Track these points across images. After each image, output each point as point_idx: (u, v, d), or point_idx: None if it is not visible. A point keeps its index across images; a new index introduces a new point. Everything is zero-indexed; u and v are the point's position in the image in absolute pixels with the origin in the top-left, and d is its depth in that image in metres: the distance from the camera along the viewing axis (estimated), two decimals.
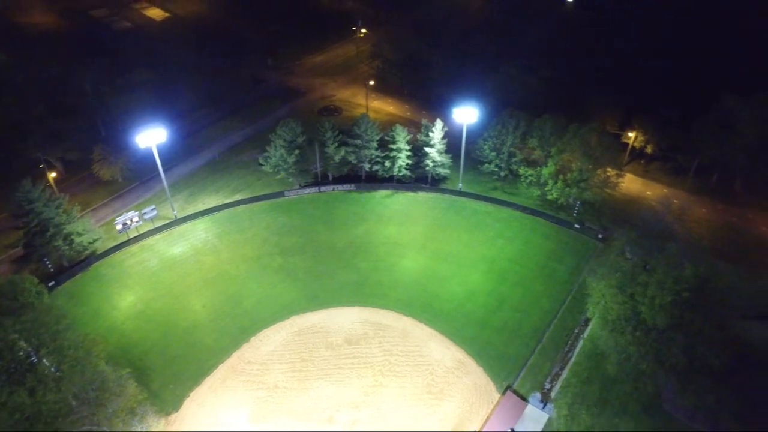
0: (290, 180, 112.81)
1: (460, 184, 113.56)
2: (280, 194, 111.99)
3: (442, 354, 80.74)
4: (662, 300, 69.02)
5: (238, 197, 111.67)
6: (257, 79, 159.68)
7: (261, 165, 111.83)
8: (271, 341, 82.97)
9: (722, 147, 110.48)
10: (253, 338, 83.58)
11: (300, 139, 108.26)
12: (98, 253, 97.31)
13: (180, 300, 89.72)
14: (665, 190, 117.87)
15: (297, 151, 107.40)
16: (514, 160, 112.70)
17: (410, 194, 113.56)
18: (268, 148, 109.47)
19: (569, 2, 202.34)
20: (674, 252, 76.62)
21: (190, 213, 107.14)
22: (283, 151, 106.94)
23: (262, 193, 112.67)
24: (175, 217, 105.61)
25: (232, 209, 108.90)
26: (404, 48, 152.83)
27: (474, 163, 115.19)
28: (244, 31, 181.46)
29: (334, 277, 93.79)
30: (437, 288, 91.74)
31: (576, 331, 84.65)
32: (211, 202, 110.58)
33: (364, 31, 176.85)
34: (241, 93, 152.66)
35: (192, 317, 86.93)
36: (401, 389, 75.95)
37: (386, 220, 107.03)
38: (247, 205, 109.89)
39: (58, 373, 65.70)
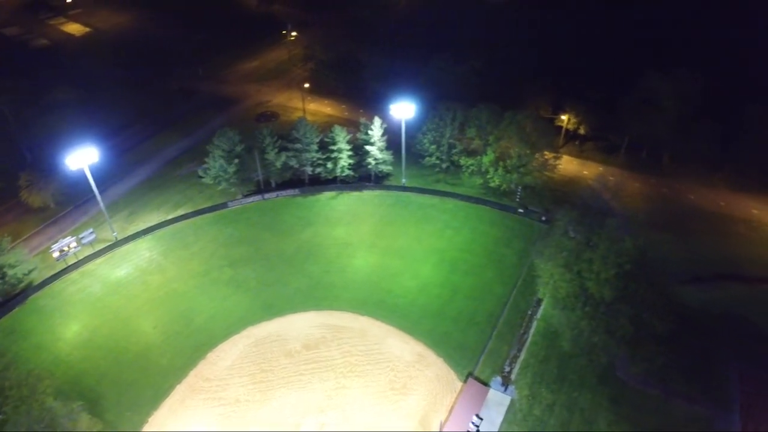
0: (232, 190, 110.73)
1: (404, 179, 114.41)
2: (224, 205, 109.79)
3: (402, 349, 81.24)
4: (607, 274, 71.73)
5: (180, 212, 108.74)
6: (189, 90, 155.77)
7: (201, 177, 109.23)
8: (229, 355, 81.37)
9: (647, 123, 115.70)
10: (209, 354, 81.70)
11: (239, 148, 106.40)
12: (35, 284, 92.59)
13: (129, 324, 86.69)
14: (600, 169, 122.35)
15: (236, 161, 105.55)
16: (454, 151, 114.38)
17: (355, 194, 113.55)
18: (206, 160, 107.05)
19: None
20: (614, 227, 79.75)
21: (131, 233, 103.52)
22: (222, 161, 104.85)
23: (204, 205, 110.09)
24: (116, 238, 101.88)
25: (175, 225, 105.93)
26: (336, 48, 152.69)
27: (415, 157, 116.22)
28: (171, 42, 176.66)
29: (286, 284, 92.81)
30: (390, 284, 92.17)
31: (529, 312, 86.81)
32: (152, 219, 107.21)
33: (294, 34, 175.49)
34: (173, 105, 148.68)
35: (143, 340, 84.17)
36: (365, 388, 75.99)
37: (333, 221, 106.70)
38: (191, 220, 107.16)
39: (1, 417, 62.30)
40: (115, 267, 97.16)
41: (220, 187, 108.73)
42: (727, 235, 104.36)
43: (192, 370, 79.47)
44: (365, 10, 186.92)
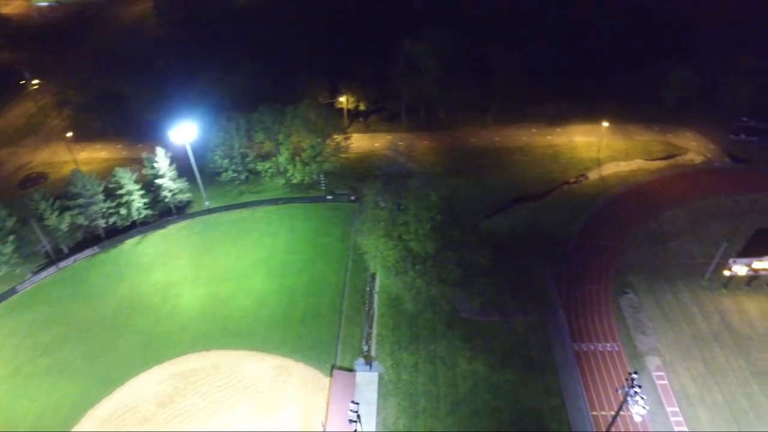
0: (17, 272, 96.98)
1: (207, 202, 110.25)
2: (12, 291, 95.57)
3: (260, 369, 79.41)
4: (423, 230, 76.86)
5: None
6: None
7: None
8: None
9: (416, 85, 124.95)
10: None
11: (9, 223, 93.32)
12: None
13: None
14: (389, 137, 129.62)
15: (11, 238, 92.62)
16: (248, 159, 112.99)
17: (160, 232, 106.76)
18: None
19: None
20: (417, 186, 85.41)
21: None
22: None
23: None
24: None
25: None
26: (92, 87, 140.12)
27: (212, 176, 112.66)
28: None
29: (117, 349, 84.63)
30: (227, 309, 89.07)
31: (368, 288, 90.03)
32: None
33: (37, 81, 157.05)
34: None
35: None
36: (238, 421, 73.08)
37: (147, 267, 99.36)
38: None
39: None
40: None
41: (1, 273, 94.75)
42: (509, 164, 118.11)
43: None
44: (110, 41, 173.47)
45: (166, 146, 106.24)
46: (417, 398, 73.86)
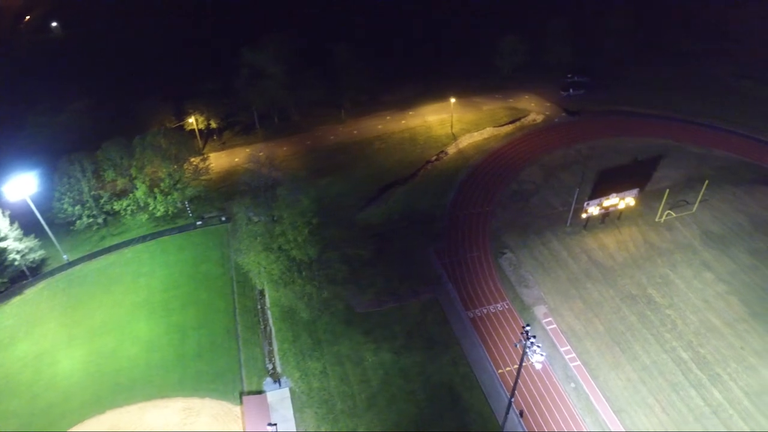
0: None
1: (65, 256, 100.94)
2: None
3: (164, 416, 74.58)
4: (302, 236, 76.36)
5: None
6: None
7: None
8: None
9: (263, 93, 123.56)
10: None
11: None
12: None
13: None
14: (247, 150, 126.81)
15: None
16: (103, 201, 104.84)
17: (17, 299, 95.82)
18: None
19: (55, 27, 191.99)
20: (286, 194, 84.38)
21: None
22: None
23: None
24: None
25: None
26: None
27: (65, 226, 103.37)
28: None
29: None
30: (114, 363, 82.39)
31: (259, 306, 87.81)
32: None
33: None
34: None
35: None
36: None
37: (7, 342, 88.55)
38: None
39: None
40: None
41: None
42: (372, 154, 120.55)
43: None
44: None
45: (2, 205, 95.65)
46: (333, 402, 73.55)
